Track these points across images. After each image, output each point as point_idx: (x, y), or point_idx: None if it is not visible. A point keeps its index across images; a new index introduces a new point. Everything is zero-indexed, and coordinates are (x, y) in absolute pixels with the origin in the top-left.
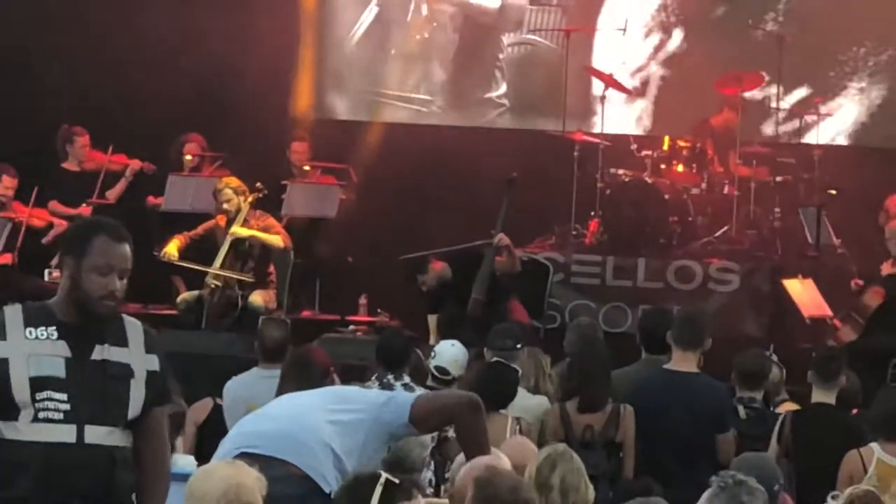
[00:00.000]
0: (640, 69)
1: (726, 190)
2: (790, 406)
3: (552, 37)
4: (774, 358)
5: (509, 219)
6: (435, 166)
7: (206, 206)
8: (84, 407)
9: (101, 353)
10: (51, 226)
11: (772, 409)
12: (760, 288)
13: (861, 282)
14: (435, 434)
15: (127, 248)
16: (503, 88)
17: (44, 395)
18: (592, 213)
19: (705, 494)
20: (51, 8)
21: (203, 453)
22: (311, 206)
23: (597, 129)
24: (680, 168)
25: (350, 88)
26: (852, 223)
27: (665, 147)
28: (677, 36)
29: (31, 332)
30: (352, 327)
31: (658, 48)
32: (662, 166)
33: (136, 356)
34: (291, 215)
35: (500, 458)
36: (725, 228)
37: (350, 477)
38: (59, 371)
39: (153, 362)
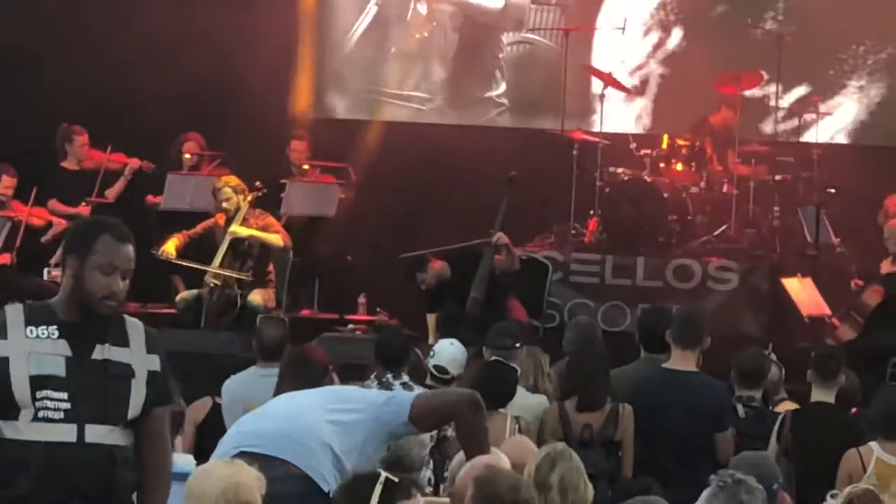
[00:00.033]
0: (639, 68)
1: (725, 189)
2: (789, 405)
3: (551, 36)
4: (773, 357)
5: (508, 217)
6: (434, 165)
7: (205, 204)
8: (84, 406)
9: (101, 352)
10: (50, 225)
11: (771, 408)
12: (759, 287)
13: (861, 282)
14: (434, 433)
15: (130, 249)
16: (502, 87)
17: (43, 394)
18: (591, 212)
19: (704, 493)
20: (50, 8)
21: (202, 452)
22: (310, 205)
23: (596, 128)
24: (679, 167)
25: (349, 87)
26: (851, 222)
27: (664, 146)
28: (677, 34)
29: (31, 331)
30: (351, 326)
31: (657, 47)
32: (661, 165)
33: (138, 356)
34: (290, 214)
35: (500, 458)
36: (724, 227)
37: (349, 476)
38: (60, 370)
39: (154, 362)
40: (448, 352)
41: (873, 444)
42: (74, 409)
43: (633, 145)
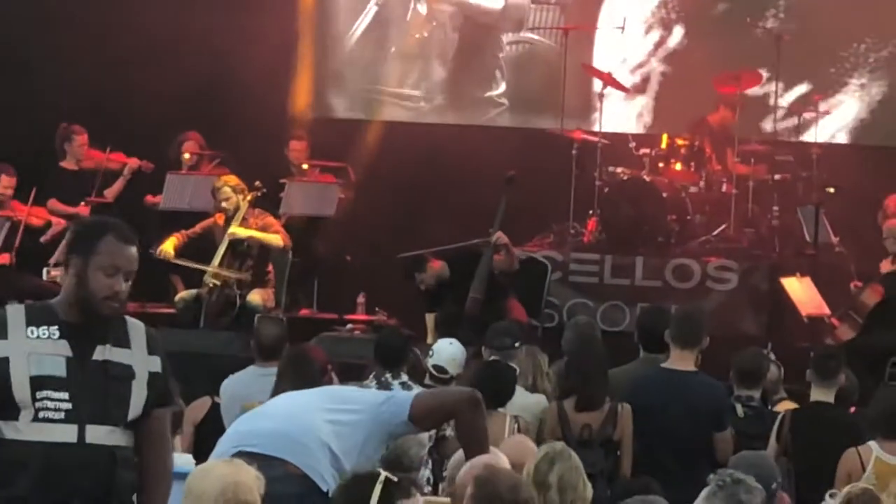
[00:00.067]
0: (640, 66)
1: (724, 188)
2: (788, 405)
3: (551, 35)
4: (772, 356)
5: (507, 217)
6: (433, 165)
7: (204, 204)
8: (85, 407)
9: (102, 353)
10: (49, 224)
11: (770, 407)
12: (758, 286)
13: (860, 284)
14: (432, 432)
15: (134, 251)
16: (502, 87)
17: (44, 394)
18: (591, 212)
19: (703, 493)
20: (50, 7)
21: (201, 452)
22: (309, 205)
23: (596, 128)
24: (678, 166)
25: (349, 87)
26: (851, 221)
27: (663, 145)
28: (678, 32)
29: (32, 332)
30: (350, 326)
31: (658, 45)
32: (661, 165)
33: (138, 357)
34: (290, 214)
35: (499, 457)
36: (724, 227)
37: (348, 476)
38: (60, 370)
39: (155, 364)
40: (447, 351)
41: (872, 444)
42: (75, 409)
43: (632, 145)
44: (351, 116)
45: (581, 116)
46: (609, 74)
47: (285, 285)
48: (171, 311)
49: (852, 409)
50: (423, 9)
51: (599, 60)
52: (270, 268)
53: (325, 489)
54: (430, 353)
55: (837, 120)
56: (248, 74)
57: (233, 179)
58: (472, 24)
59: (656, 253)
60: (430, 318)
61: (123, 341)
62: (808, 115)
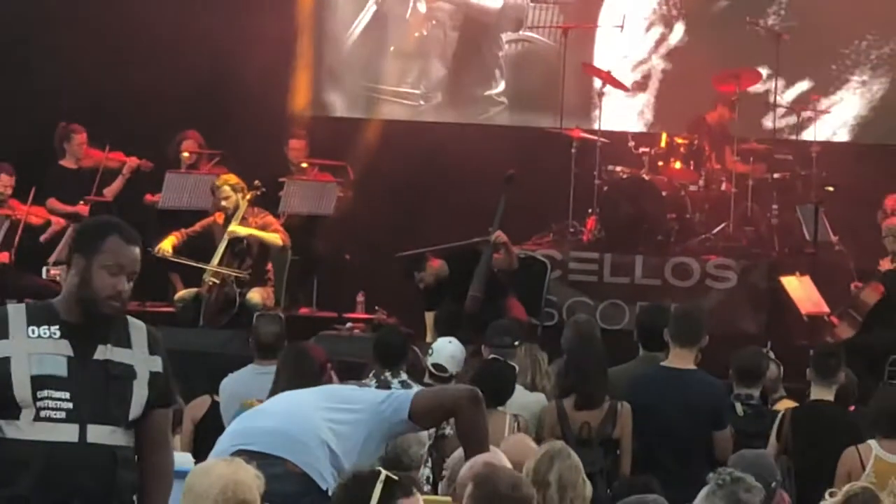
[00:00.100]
0: (641, 63)
1: (724, 187)
2: (788, 403)
3: (550, 34)
4: (772, 355)
5: (507, 216)
6: (433, 163)
7: (203, 203)
8: (86, 406)
9: (103, 353)
10: (48, 223)
11: (769, 406)
12: (758, 285)
13: (860, 284)
14: (432, 431)
15: (137, 251)
16: (501, 86)
17: (45, 393)
18: (590, 210)
19: (703, 491)
20: (50, 6)
21: (200, 450)
22: (308, 204)
23: (595, 126)
24: (677, 165)
25: (348, 85)
26: (850, 220)
27: (662, 144)
28: (678, 30)
29: (33, 331)
30: (349, 325)
31: (659, 42)
32: (660, 163)
33: (140, 357)
34: (289, 213)
35: (499, 456)
36: (723, 225)
37: (349, 474)
38: (61, 370)
39: (156, 364)
40: (446, 350)
41: (872, 443)
42: (76, 409)
43: (631, 143)
44: (350, 115)
45: (580, 115)
46: (608, 73)
47: (285, 284)
48: (171, 309)
49: (852, 408)
50: (422, 7)
51: (600, 58)
52: (270, 266)
53: (324, 488)
54: (430, 351)
55: (838, 118)
56: (248, 74)
57: (232, 178)
58: (472, 22)
59: (656, 251)
60: (429, 317)
61: (125, 341)
62: (807, 114)
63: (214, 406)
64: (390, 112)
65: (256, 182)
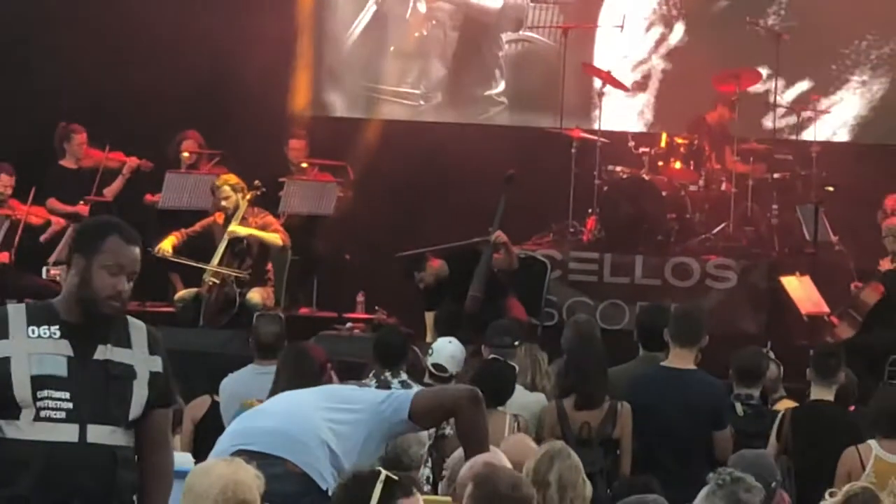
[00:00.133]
0: (641, 63)
1: (724, 187)
2: (788, 403)
3: (550, 34)
4: (772, 355)
5: (507, 216)
6: (433, 163)
7: (203, 203)
8: (86, 406)
9: (103, 353)
10: (48, 223)
11: (769, 406)
12: (758, 285)
13: (860, 284)
14: (432, 431)
15: (137, 251)
16: (501, 86)
17: (45, 393)
18: (590, 210)
19: (702, 491)
20: (50, 6)
21: (200, 450)
22: (308, 204)
23: (595, 126)
24: (677, 165)
25: (348, 85)
26: (850, 220)
27: (662, 144)
28: (679, 30)
29: (33, 331)
30: (349, 325)
31: (659, 42)
32: (660, 163)
33: (140, 357)
34: (289, 213)
35: (499, 456)
36: (723, 225)
37: (349, 474)
38: (61, 370)
39: (156, 364)
40: (446, 350)
41: (872, 443)
42: (76, 409)
43: (631, 143)
44: (350, 115)
45: (580, 115)
46: (608, 73)
47: (285, 284)
48: (171, 309)
49: (852, 408)
50: (422, 7)
51: (600, 58)
52: (270, 266)
53: (324, 488)
54: (430, 351)
55: (838, 118)
56: (248, 74)
57: (232, 178)
58: (472, 22)
59: (656, 251)
60: (429, 317)
61: (125, 341)
62: (807, 114)
63: (214, 406)
64: (390, 112)
65: (256, 182)
